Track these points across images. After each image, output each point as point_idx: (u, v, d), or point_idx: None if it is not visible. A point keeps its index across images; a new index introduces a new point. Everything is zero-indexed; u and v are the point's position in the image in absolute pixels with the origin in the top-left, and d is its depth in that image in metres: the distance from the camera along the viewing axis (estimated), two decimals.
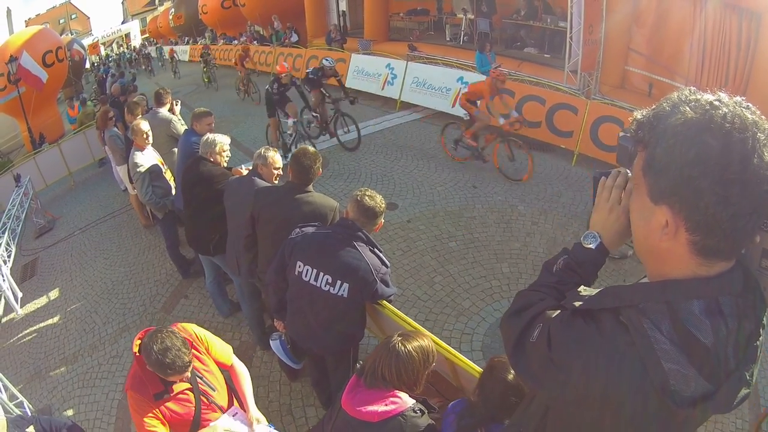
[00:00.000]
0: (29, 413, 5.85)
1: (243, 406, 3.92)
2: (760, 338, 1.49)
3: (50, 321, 8.36)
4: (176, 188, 7.41)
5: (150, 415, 3.43)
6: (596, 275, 1.92)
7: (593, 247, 1.84)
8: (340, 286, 4.07)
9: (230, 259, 5.94)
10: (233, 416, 3.78)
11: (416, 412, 3.04)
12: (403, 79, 15.70)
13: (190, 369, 3.45)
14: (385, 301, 4.40)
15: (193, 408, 3.59)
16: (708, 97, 1.33)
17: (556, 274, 1.93)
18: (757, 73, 10.86)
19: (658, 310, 1.43)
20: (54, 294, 9.22)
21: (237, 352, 6.43)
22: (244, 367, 4.14)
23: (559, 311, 1.68)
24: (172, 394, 3.51)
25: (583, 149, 11.26)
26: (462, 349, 6.19)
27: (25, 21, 49.95)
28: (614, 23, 13.62)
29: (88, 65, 43.74)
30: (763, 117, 1.31)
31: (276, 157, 5.49)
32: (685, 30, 12.47)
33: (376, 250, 4.22)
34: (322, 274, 4.10)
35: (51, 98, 25.69)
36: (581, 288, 1.79)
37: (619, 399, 1.44)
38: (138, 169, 7.09)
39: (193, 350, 3.60)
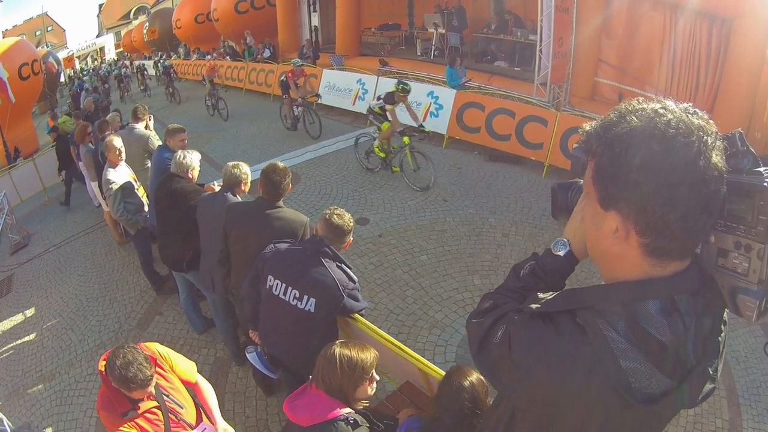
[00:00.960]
0: (8, 430, 5.86)
1: (211, 419, 3.99)
2: (722, 334, 1.56)
3: (27, 338, 8.31)
4: (149, 205, 7.47)
5: (123, 429, 3.47)
6: (563, 284, 1.93)
7: (562, 255, 1.87)
8: (307, 301, 4.16)
9: (204, 276, 5.99)
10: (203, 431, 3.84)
11: (350, 422, 3.03)
12: (374, 94, 15.56)
13: (152, 384, 3.50)
14: (358, 315, 4.49)
15: (163, 426, 3.61)
16: (654, 105, 1.38)
17: (522, 279, 1.95)
18: (727, 80, 11.09)
19: (613, 311, 1.47)
20: (30, 311, 9.15)
21: (212, 369, 6.56)
22: (208, 383, 4.20)
23: (519, 314, 1.71)
24: (139, 412, 3.54)
25: (553, 161, 11.43)
26: (436, 361, 6.25)
27: (2, 32, 49.52)
28: (584, 35, 13.81)
29: (63, 79, 43.09)
30: (711, 122, 1.35)
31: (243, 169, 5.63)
32: (655, 39, 12.68)
33: (343, 266, 4.32)
34: (290, 288, 4.20)
35: (26, 112, 25.43)
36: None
37: (580, 398, 1.49)
38: (110, 186, 7.12)
39: (157, 368, 3.69)
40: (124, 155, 7.46)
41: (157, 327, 7.69)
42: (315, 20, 26.48)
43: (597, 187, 1.49)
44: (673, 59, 12.36)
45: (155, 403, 3.63)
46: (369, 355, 3.21)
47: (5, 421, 6.27)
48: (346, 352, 3.12)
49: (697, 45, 11.83)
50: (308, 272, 4.18)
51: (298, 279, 4.19)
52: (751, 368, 6.39)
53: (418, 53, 21.48)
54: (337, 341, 3.23)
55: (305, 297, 4.17)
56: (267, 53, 24.34)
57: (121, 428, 3.46)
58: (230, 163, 5.67)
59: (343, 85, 17.24)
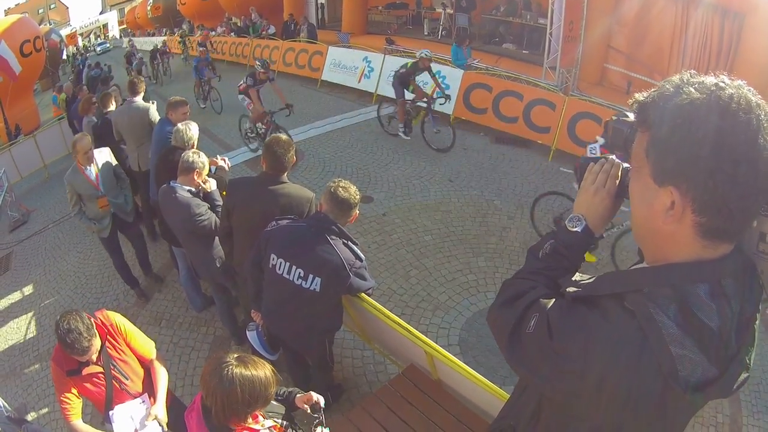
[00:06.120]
0: (5, 412, 5.79)
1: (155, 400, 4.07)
2: (757, 322, 1.50)
3: (24, 317, 8.26)
4: (150, 179, 7.32)
5: (63, 386, 3.81)
6: (583, 258, 1.90)
7: (579, 230, 1.83)
8: (312, 281, 4.06)
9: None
10: (141, 403, 3.98)
11: None
12: (380, 72, 15.59)
13: (90, 353, 3.68)
14: (364, 294, 4.39)
15: (105, 391, 3.87)
16: (711, 79, 1.34)
17: (543, 259, 1.89)
18: (737, 75, 10.90)
19: (664, 294, 1.41)
20: (28, 289, 9.11)
21: (211, 347, 6.49)
22: (163, 367, 4.25)
23: (555, 299, 1.65)
24: (83, 374, 3.79)
25: (560, 145, 11.31)
26: (439, 343, 6.10)
27: (5, 11, 49.33)
28: (595, 21, 13.69)
29: (65, 56, 42.83)
30: (763, 100, 1.31)
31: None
32: (666, 30, 12.65)
33: (350, 243, 4.20)
34: (294, 267, 4.08)
35: (27, 89, 25.28)
36: (577, 275, 1.79)
37: (626, 385, 1.42)
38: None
39: (109, 338, 3.92)
40: (93, 154, 6.93)
41: (156, 304, 7.61)
42: None
43: (651, 161, 1.42)
44: (684, 51, 12.34)
45: (100, 369, 3.86)
46: (266, 372, 2.70)
47: (1, 401, 6.19)
48: (245, 372, 2.60)
49: (709, 38, 11.81)
50: (313, 250, 4.07)
51: (302, 258, 4.08)
52: (753, 364, 6.30)
53: (426, 33, 21.40)
54: (231, 355, 2.71)
55: (310, 276, 4.07)
56: (272, 30, 24.06)
57: (61, 388, 3.80)
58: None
59: (349, 63, 16.95)
